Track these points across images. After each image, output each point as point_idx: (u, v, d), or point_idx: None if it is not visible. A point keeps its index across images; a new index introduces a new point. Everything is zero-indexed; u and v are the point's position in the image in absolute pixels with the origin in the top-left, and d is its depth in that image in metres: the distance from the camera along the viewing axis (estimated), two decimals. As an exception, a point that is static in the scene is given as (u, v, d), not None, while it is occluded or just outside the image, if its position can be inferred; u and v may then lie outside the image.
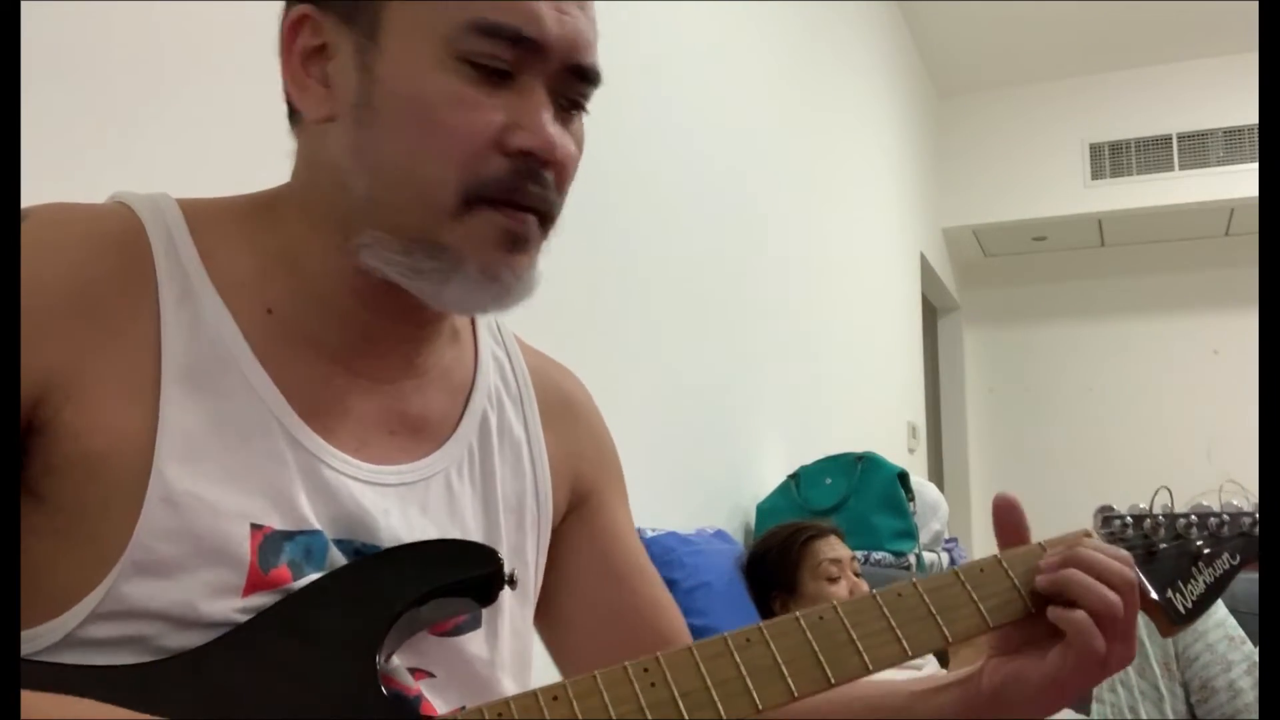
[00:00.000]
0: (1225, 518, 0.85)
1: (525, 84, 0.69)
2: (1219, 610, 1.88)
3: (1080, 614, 0.72)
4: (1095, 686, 0.77)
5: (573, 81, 0.71)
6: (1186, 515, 0.85)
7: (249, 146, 1.30)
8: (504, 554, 0.77)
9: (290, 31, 0.71)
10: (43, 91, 1.09)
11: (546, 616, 0.86)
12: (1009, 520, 0.79)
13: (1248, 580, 0.88)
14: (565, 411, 0.87)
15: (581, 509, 0.87)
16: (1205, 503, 0.87)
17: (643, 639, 0.82)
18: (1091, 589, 0.73)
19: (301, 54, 0.71)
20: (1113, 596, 0.72)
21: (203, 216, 0.73)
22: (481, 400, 0.81)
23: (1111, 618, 0.72)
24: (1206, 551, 0.84)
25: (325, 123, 0.71)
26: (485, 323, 0.86)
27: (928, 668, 2.10)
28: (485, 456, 0.80)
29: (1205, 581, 0.83)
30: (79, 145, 1.16)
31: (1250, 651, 1.85)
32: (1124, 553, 0.77)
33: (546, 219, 0.72)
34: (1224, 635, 1.85)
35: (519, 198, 0.69)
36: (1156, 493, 0.85)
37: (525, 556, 0.81)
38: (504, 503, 0.80)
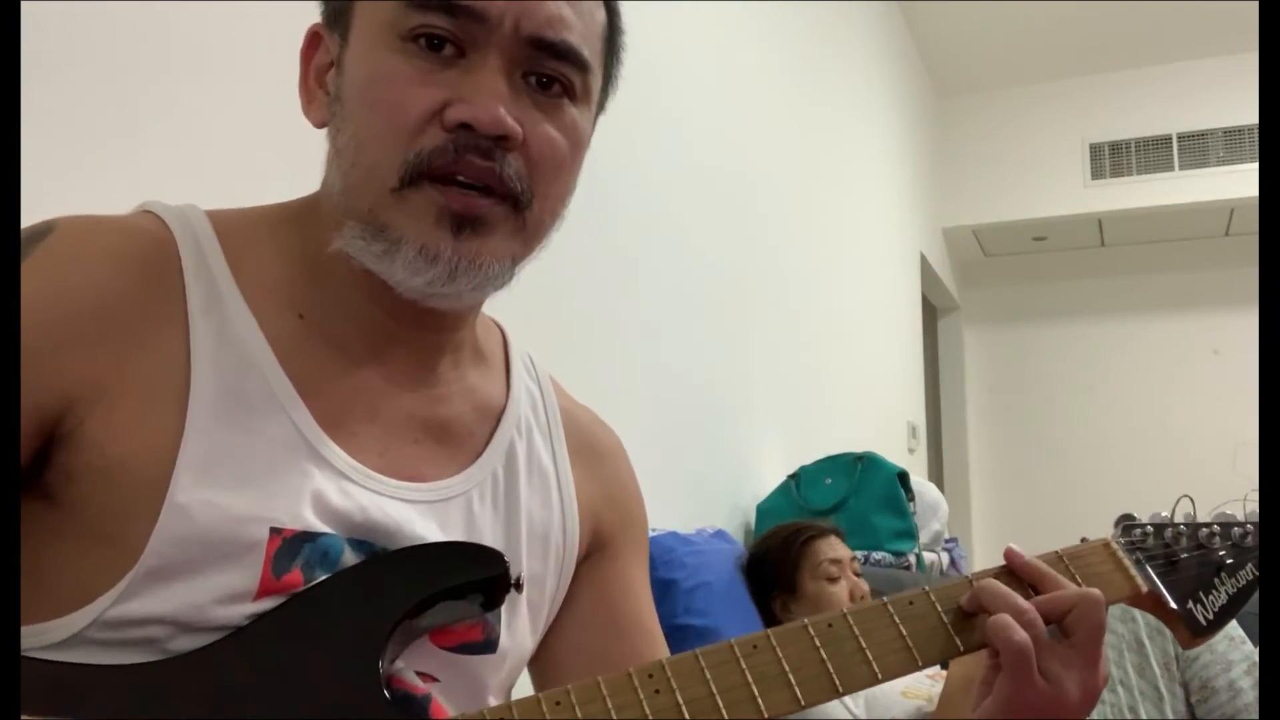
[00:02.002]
0: (1249, 527, 0.84)
1: (475, 60, 0.68)
2: (1219, 610, 1.87)
3: (998, 614, 0.72)
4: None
5: (539, 57, 0.69)
6: (1209, 525, 0.83)
7: (251, 147, 1.30)
8: (521, 574, 0.77)
9: (307, 49, 0.73)
10: (43, 91, 1.09)
11: (538, 654, 0.85)
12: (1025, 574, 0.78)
13: (1248, 580, 0.87)
14: (592, 455, 0.87)
15: (597, 555, 0.86)
16: (1229, 511, 0.85)
17: None
18: (1000, 594, 0.73)
19: (316, 70, 0.73)
20: (1023, 603, 0.72)
21: (232, 226, 0.74)
22: (510, 429, 0.81)
23: (1018, 610, 0.71)
24: (1229, 561, 0.82)
25: (323, 128, 0.73)
26: (520, 356, 0.86)
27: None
28: (511, 483, 0.79)
29: (1228, 592, 0.81)
30: (79, 145, 1.15)
31: (1250, 651, 1.85)
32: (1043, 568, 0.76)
33: (514, 202, 0.69)
34: (1224, 635, 1.85)
35: (460, 171, 0.67)
36: (1178, 501, 0.84)
37: (544, 587, 0.81)
38: (529, 530, 0.79)
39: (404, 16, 0.67)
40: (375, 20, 0.69)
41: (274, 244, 0.74)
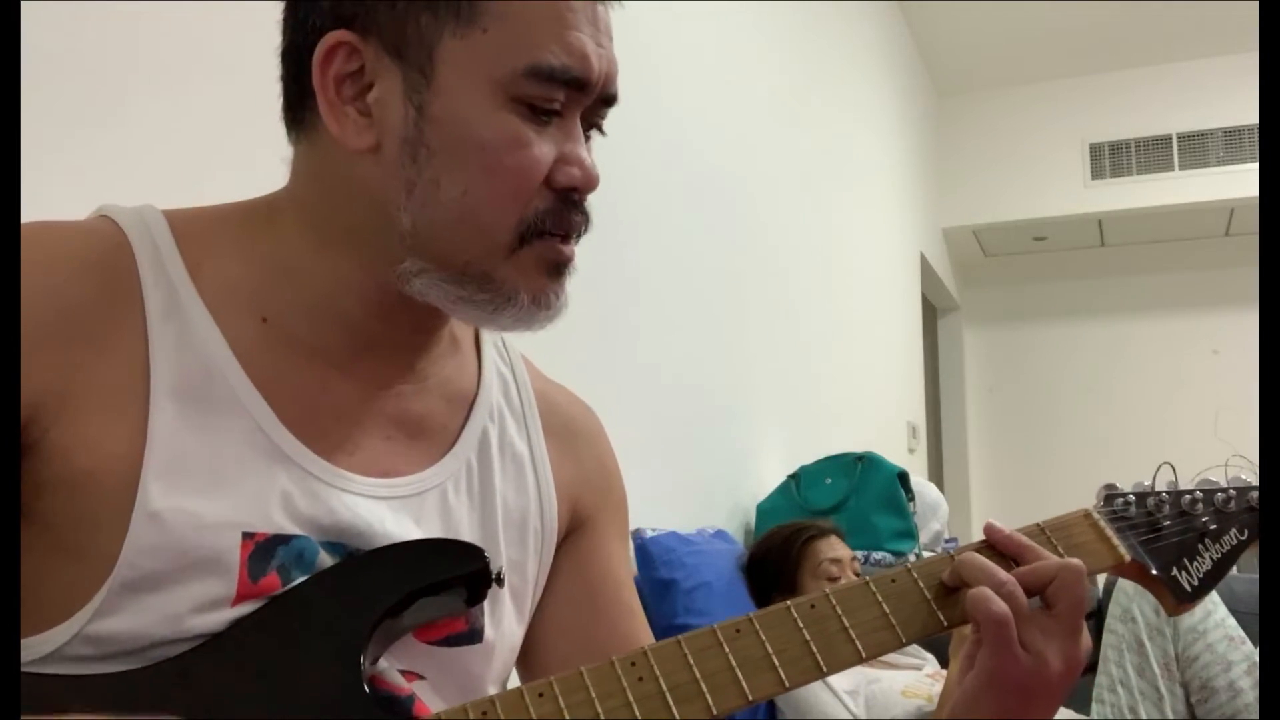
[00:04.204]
0: (1231, 492, 0.84)
1: (568, 118, 0.71)
2: (1219, 610, 1.87)
3: (977, 587, 0.72)
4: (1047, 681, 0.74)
5: (601, 109, 0.74)
6: (1191, 491, 0.84)
7: (246, 145, 1.30)
8: (502, 568, 0.77)
9: (326, 57, 0.69)
10: (43, 91, 1.09)
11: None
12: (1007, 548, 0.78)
13: (1248, 580, 0.87)
14: (568, 435, 0.86)
15: (576, 535, 0.86)
16: (1211, 478, 0.85)
17: None
18: (979, 566, 0.73)
19: (336, 79, 0.70)
20: (1002, 574, 0.72)
21: (191, 227, 0.72)
22: (483, 415, 0.80)
23: (997, 582, 0.71)
24: (1213, 528, 0.83)
25: (367, 153, 0.70)
26: (491, 339, 0.86)
27: (927, 666, 2.10)
28: (485, 472, 0.79)
29: (1212, 558, 0.82)
30: (78, 145, 1.15)
31: (1250, 651, 1.84)
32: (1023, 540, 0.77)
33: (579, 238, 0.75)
34: (1224, 635, 1.85)
35: (566, 229, 0.72)
36: (1159, 469, 0.84)
37: (525, 573, 0.80)
38: (505, 518, 0.79)
39: (521, 82, 0.68)
40: (480, 72, 0.68)
41: (233, 246, 0.73)
